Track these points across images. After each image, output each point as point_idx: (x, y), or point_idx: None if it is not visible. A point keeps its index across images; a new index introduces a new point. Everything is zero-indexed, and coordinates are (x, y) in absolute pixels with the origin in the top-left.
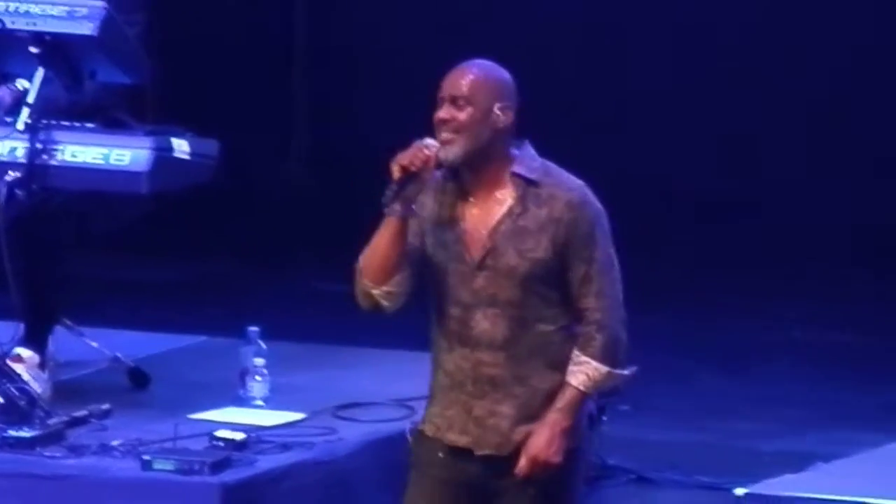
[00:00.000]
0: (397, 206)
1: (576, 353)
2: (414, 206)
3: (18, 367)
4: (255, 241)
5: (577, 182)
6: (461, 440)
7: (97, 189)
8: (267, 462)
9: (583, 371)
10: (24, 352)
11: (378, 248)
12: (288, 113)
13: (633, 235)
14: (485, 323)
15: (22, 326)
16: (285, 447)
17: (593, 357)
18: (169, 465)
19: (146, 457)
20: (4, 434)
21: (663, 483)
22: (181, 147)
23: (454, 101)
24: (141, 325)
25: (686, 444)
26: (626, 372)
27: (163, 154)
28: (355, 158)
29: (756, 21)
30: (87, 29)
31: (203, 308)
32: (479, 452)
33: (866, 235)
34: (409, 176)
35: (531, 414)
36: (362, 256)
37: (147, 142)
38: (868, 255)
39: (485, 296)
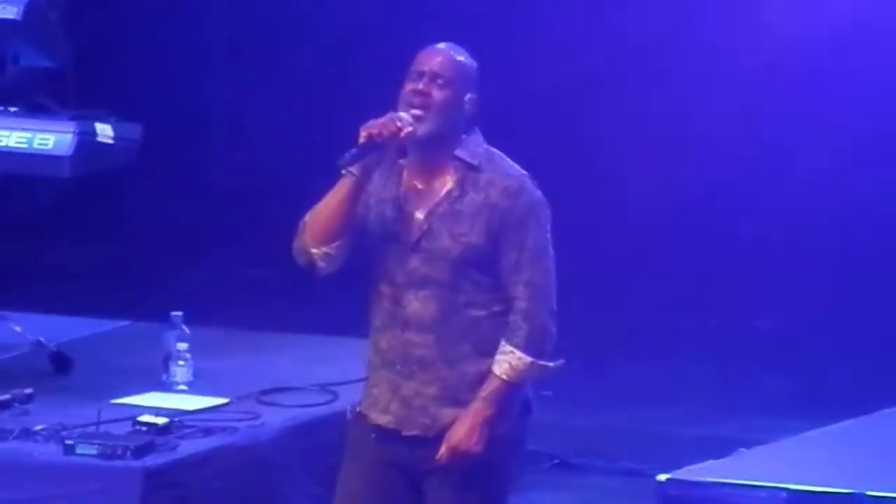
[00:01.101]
0: (355, 170)
1: (502, 342)
2: (373, 176)
3: None
4: (177, 224)
5: (518, 171)
6: (382, 419)
7: (21, 173)
8: (189, 447)
9: (507, 360)
10: None
11: (327, 207)
12: (206, 94)
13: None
14: (416, 303)
15: None
16: (208, 432)
17: (517, 347)
18: (92, 450)
19: (69, 441)
20: None
21: (586, 468)
22: (105, 131)
23: (434, 77)
24: (64, 309)
25: (608, 429)
26: (551, 364)
27: (86, 138)
28: (274, 140)
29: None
30: (10, 13)
31: (126, 292)
32: (405, 433)
33: (783, 221)
34: (374, 144)
35: (457, 397)
36: (309, 213)
37: (71, 126)
38: (785, 241)
39: (417, 277)
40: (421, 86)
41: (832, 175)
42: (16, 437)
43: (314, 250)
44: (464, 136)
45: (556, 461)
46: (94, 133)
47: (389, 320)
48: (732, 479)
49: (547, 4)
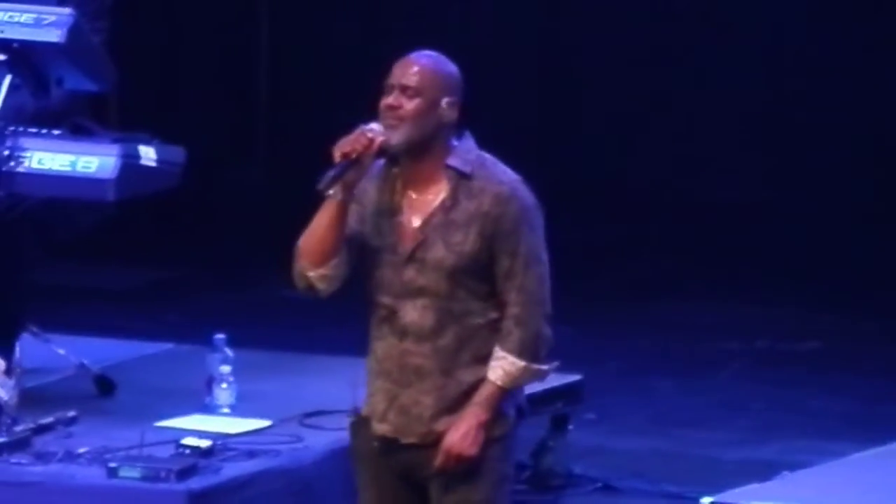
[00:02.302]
0: (337, 190)
1: (496, 347)
2: (355, 192)
3: None
4: (220, 247)
5: (510, 176)
6: (380, 428)
7: (64, 196)
8: (233, 469)
9: (500, 366)
10: None
11: (316, 230)
12: (250, 119)
13: (592, 246)
14: (413, 313)
15: None
16: (251, 454)
17: (510, 352)
18: (135, 473)
19: (112, 464)
20: None
21: (629, 492)
22: (148, 154)
23: (404, 89)
24: (108, 332)
25: (651, 452)
26: (545, 367)
27: (130, 161)
28: (317, 163)
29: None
30: (54, 36)
31: (169, 315)
32: (404, 441)
33: (823, 243)
34: (350, 161)
35: (455, 406)
36: (301, 238)
37: (114, 149)
38: (828, 262)
39: (414, 287)
40: (391, 100)
41: (880, 192)
42: (59, 460)
43: (311, 273)
44: (455, 143)
45: (599, 484)
46: (137, 156)
47: (387, 330)
48: (776, 502)
49: None
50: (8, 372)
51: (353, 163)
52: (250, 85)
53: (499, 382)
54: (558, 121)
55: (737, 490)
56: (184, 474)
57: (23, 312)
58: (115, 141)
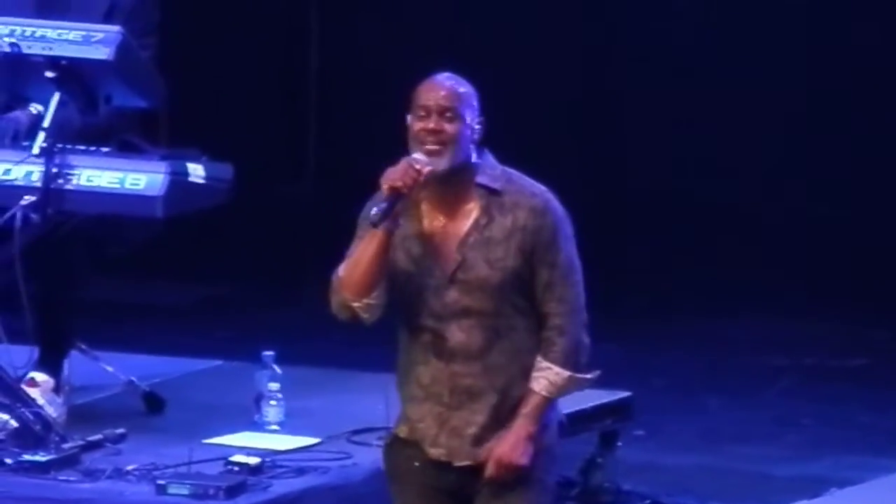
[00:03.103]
0: (386, 222)
1: (538, 358)
2: (400, 220)
3: (33, 392)
4: (269, 263)
5: (539, 188)
6: (433, 452)
7: (112, 213)
8: (282, 487)
9: (545, 377)
10: (39, 376)
11: (362, 261)
12: (299, 134)
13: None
14: (460, 334)
15: (37, 350)
16: (300, 472)
17: (555, 362)
18: (184, 490)
19: (161, 481)
20: (20, 458)
21: None
22: (196, 171)
23: (442, 112)
24: (156, 349)
25: (700, 468)
26: (588, 376)
27: (178, 178)
28: (367, 179)
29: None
30: (102, 54)
31: (218, 332)
32: (457, 463)
33: (871, 259)
34: (400, 195)
35: (506, 422)
36: (342, 269)
37: (162, 166)
38: (877, 278)
39: (458, 308)
40: (432, 124)
41: None
42: (108, 477)
43: (356, 304)
44: (479, 161)
45: (648, 501)
46: (186, 173)
47: (432, 353)
48: None
49: None
50: (57, 389)
51: (403, 196)
52: (300, 100)
53: (544, 393)
54: (600, 132)
55: None
56: (232, 491)
57: (72, 329)
58: (163, 158)
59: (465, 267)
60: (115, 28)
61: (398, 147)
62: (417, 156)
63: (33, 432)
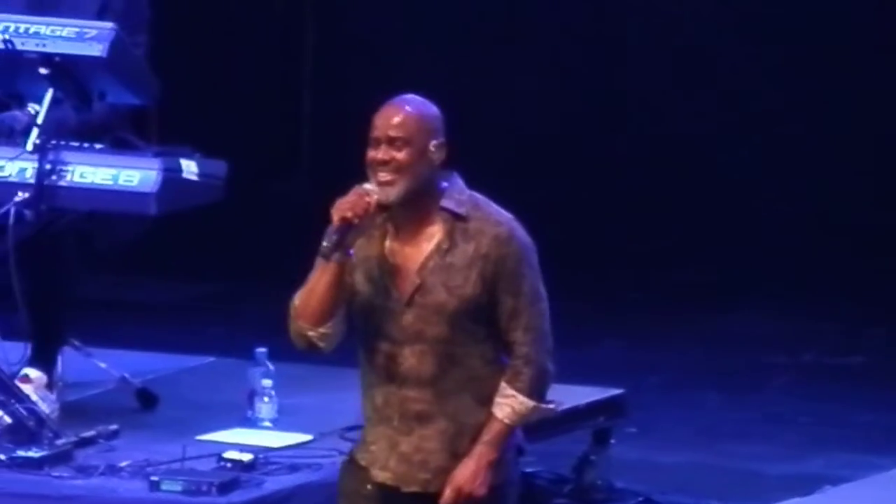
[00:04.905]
0: (336, 253)
1: (503, 385)
2: (352, 251)
3: (27, 388)
4: (262, 260)
5: (505, 216)
6: (381, 476)
7: (106, 210)
8: (275, 483)
9: (509, 404)
10: (33, 372)
11: (315, 292)
12: (293, 132)
13: (636, 256)
14: (412, 359)
15: (30, 347)
16: (293, 468)
17: (520, 391)
18: (177, 486)
19: (154, 478)
20: (13, 454)
21: None
22: (190, 168)
23: (391, 141)
24: (149, 345)
25: (694, 466)
26: (551, 405)
27: (172, 175)
28: (361, 177)
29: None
30: (96, 50)
31: (211, 328)
32: (405, 489)
33: (869, 258)
34: (350, 226)
35: (457, 449)
36: (297, 298)
37: (156, 163)
38: (873, 276)
39: (412, 332)
40: (381, 154)
41: None
42: (101, 474)
43: (311, 333)
44: (445, 185)
45: (642, 499)
46: (179, 170)
47: (385, 376)
48: None
49: None
50: (49, 385)
51: (353, 227)
52: (294, 97)
53: (507, 421)
54: (599, 131)
55: None
56: (225, 488)
57: (64, 326)
58: (156, 155)
59: (423, 291)
60: (109, 25)
61: None
62: (368, 185)
63: (27, 428)
